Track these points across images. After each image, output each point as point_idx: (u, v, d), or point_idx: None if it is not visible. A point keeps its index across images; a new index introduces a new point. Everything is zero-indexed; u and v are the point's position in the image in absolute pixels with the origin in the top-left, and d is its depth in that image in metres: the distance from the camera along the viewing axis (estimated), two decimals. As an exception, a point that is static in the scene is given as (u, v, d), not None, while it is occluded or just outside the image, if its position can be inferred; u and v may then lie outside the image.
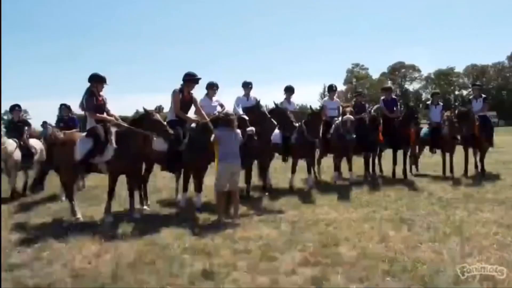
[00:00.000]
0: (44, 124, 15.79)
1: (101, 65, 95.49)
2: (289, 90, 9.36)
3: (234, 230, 5.42)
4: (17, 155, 8.52)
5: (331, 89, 10.22)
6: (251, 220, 5.99)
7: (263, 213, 6.40)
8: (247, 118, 6.58)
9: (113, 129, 6.27)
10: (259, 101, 7.39)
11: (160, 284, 3.87)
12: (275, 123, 7.00)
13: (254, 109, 7.10)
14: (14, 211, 7.25)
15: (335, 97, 10.36)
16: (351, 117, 8.59)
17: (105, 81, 6.55)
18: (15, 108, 9.38)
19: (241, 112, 7.06)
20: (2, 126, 8.58)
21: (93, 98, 6.36)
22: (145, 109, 6.14)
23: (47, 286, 3.90)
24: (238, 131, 6.11)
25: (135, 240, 5.11)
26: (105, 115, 6.47)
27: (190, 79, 6.99)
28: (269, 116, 7.04)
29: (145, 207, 6.95)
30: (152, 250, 4.71)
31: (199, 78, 7.06)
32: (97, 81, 6.47)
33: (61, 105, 9.43)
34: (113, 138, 6.15)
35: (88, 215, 6.65)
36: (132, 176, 6.37)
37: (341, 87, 67.46)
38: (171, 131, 5.89)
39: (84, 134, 6.42)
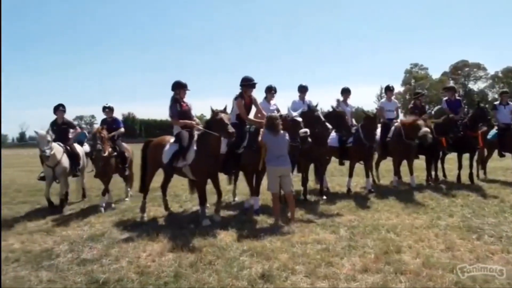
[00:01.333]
0: (80, 127, 16.62)
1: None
2: (346, 92, 9.19)
3: (292, 234, 5.40)
4: (65, 161, 7.87)
5: (388, 89, 9.88)
6: (309, 224, 5.93)
7: (320, 217, 6.32)
8: (300, 119, 6.54)
9: (196, 133, 6.48)
10: (314, 105, 7.33)
11: (220, 284, 3.94)
12: (329, 126, 6.89)
13: (307, 112, 7.02)
14: (85, 210, 7.75)
15: (393, 98, 10.02)
16: (428, 130, 8.24)
17: (187, 87, 6.83)
18: (59, 108, 8.45)
19: (294, 114, 7.01)
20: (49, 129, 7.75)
21: (177, 105, 6.69)
22: (212, 109, 6.22)
23: (116, 281, 4.11)
24: (284, 133, 6.10)
25: (195, 241, 5.25)
26: (193, 120, 6.79)
27: (248, 84, 7.09)
28: (323, 119, 6.95)
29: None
30: (211, 251, 4.81)
31: (256, 83, 7.15)
32: (179, 88, 6.77)
33: (104, 107, 8.75)
34: (195, 141, 6.36)
35: (151, 215, 6.98)
36: (213, 178, 6.51)
37: (398, 88, 65.09)
38: (232, 130, 5.92)
39: (173, 139, 6.73)
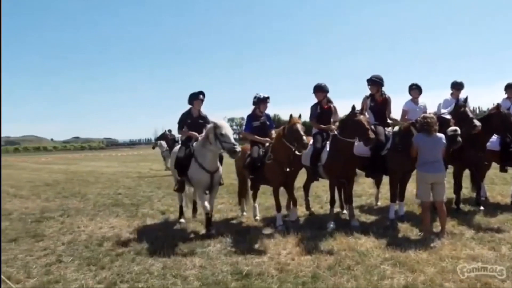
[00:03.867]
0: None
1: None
2: (511, 88, 7.95)
3: (441, 246, 4.91)
4: (220, 166, 6.43)
5: None
6: (461, 237, 5.31)
7: (476, 230, 5.59)
8: (449, 117, 5.91)
9: (331, 134, 6.47)
10: (461, 100, 6.54)
11: (359, 291, 3.82)
12: (478, 124, 6.07)
13: (455, 109, 6.26)
14: (231, 207, 8.37)
15: None
16: None
17: (323, 89, 6.75)
18: (198, 96, 6.64)
19: (443, 111, 6.34)
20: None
21: (316, 107, 6.80)
22: (353, 107, 5.99)
23: (257, 275, 4.32)
24: (440, 135, 5.51)
25: (334, 243, 5.21)
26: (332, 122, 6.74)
27: (373, 83, 6.79)
28: (470, 116, 6.17)
29: (344, 211, 7.04)
30: (350, 256, 4.70)
31: (378, 76, 6.79)
32: (317, 91, 6.80)
33: (264, 97, 6.67)
34: (328, 142, 6.40)
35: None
36: (349, 180, 6.42)
37: None
38: (373, 136, 5.67)
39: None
